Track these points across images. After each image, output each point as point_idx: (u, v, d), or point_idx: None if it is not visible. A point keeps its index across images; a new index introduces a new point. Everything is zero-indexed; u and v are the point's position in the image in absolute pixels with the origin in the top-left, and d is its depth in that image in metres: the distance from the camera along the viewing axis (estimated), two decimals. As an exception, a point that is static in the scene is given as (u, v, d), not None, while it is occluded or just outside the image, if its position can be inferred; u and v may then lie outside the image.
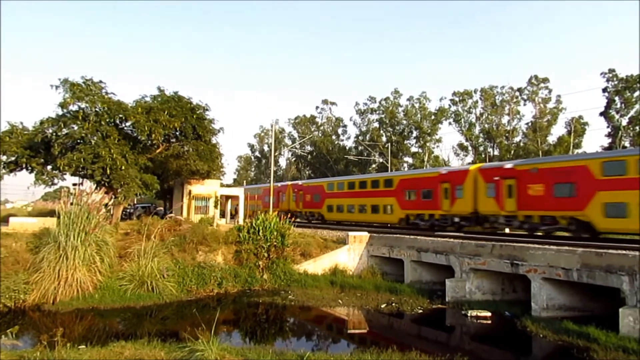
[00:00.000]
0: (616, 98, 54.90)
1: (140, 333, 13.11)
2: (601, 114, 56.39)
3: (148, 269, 18.01)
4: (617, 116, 55.24)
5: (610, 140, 55.95)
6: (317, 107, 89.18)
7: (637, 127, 53.58)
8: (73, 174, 25.01)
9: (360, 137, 79.00)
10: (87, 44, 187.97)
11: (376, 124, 77.58)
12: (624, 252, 14.14)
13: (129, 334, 13.24)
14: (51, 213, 20.21)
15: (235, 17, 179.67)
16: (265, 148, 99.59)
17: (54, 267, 16.43)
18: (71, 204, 17.83)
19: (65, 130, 23.37)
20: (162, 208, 33.32)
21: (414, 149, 73.12)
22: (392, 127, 74.15)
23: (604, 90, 55.77)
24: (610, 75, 55.17)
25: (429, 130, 69.96)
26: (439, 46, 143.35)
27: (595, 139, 76.31)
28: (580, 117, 59.79)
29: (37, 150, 24.71)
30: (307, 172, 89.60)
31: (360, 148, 77.54)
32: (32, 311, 15.59)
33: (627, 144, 54.24)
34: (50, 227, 18.71)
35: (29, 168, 25.18)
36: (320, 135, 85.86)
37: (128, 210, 38.17)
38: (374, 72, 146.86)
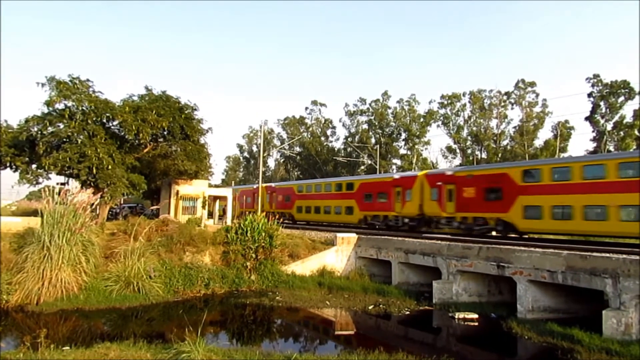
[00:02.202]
0: (601, 103, 55.82)
1: (125, 334, 12.99)
2: (586, 118, 57.29)
3: (134, 270, 17.83)
4: (602, 121, 56.16)
5: (595, 144, 56.84)
6: (306, 108, 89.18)
7: (622, 132, 54.50)
8: (58, 174, 24.72)
9: (349, 139, 79.17)
10: (75, 42, 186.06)
11: (365, 126, 77.88)
12: (607, 255, 14.38)
13: (114, 335, 13.10)
14: (36, 212, 19.96)
15: (224, 18, 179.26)
16: (254, 149, 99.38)
17: (37, 268, 16.17)
18: (56, 203, 17.59)
19: (50, 129, 23.09)
20: (156, 207, 33.01)
21: (402, 151, 73.52)
22: (382, 129, 74.47)
23: (589, 95, 56.68)
24: (595, 80, 56.11)
25: (418, 133, 70.40)
26: (429, 49, 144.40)
27: (580, 143, 77.56)
28: (567, 121, 60.81)
29: (21, 148, 24.37)
30: (295, 173, 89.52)
31: (349, 149, 77.71)
32: (15, 312, 15.33)
33: (611, 148, 55.17)
34: (35, 226, 18.44)
35: (14, 167, 24.81)
36: (309, 136, 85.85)
37: (114, 210, 37.81)
38: (364, 74, 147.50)
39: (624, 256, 13.81)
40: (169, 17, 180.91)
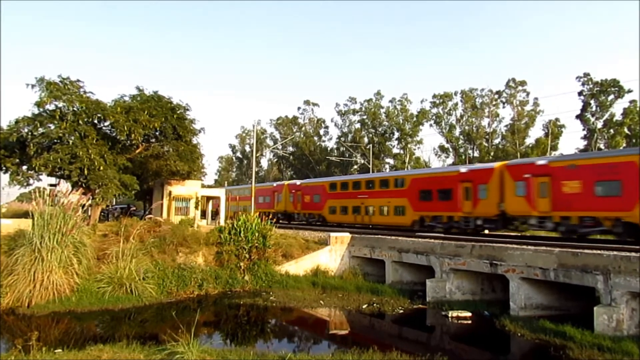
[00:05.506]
0: (591, 101, 56.30)
1: (118, 336, 12.90)
2: (577, 116, 57.76)
3: (127, 271, 17.73)
4: (592, 119, 56.65)
5: (585, 142, 57.34)
6: (299, 108, 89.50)
7: (612, 130, 55.01)
8: (49, 175, 24.52)
9: (342, 138, 79.26)
10: (63, 41, 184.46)
11: (358, 125, 78.05)
12: (599, 252, 14.50)
13: (107, 337, 13.03)
14: (26, 214, 19.81)
15: (216, 17, 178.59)
16: (247, 149, 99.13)
17: (29, 270, 16.02)
18: (47, 204, 17.43)
19: (41, 130, 22.87)
20: (134, 208, 32.93)
21: (395, 150, 73.72)
22: (374, 128, 74.64)
23: (580, 93, 57.15)
24: (586, 79, 56.59)
25: (410, 132, 70.61)
26: (421, 49, 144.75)
27: (571, 141, 78.15)
28: (557, 119, 61.22)
29: (12, 150, 24.12)
30: (289, 173, 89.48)
31: (342, 149, 77.78)
32: (7, 315, 15.19)
33: (602, 145, 55.66)
34: (25, 228, 18.28)
35: (4, 168, 24.56)
36: (302, 136, 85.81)
37: (106, 212, 37.59)
38: (356, 73, 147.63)
39: (615, 253, 13.94)
40: (161, 17, 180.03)
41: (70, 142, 22.91)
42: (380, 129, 74.17)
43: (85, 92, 24.35)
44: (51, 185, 25.14)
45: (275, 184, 48.03)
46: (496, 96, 66.24)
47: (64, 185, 19.18)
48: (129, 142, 25.39)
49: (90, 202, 21.04)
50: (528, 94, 64.60)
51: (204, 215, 37.02)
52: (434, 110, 69.97)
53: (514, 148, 62.05)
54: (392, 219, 31.83)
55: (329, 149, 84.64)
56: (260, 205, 46.76)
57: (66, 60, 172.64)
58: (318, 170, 79.94)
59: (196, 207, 32.57)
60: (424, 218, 29.29)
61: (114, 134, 24.86)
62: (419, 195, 29.82)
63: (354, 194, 35.26)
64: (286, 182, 45.98)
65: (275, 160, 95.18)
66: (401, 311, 17.45)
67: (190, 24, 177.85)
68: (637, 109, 53.32)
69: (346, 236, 24.23)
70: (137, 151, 26.93)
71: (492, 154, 64.21)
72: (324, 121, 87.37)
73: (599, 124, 56.29)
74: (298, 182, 44.19)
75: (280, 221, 42.32)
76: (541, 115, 63.85)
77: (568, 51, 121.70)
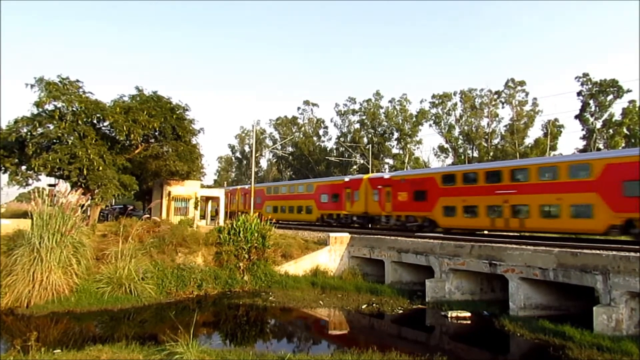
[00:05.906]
0: (591, 101, 56.32)
1: (117, 336, 12.90)
2: (576, 117, 57.77)
3: (126, 271, 17.72)
4: (591, 119, 56.65)
5: (585, 142, 57.35)
6: (298, 108, 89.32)
7: (611, 130, 55.04)
8: (49, 175, 24.48)
9: (341, 139, 79.22)
10: (64, 42, 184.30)
11: (357, 125, 78.02)
12: (598, 252, 14.52)
13: (106, 337, 13.02)
14: (25, 214, 19.82)
15: (217, 17, 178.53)
16: (246, 149, 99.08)
17: (28, 270, 15.99)
18: (45, 204, 17.40)
19: (40, 130, 22.84)
20: (138, 209, 32.88)
21: (395, 151, 73.68)
22: (374, 128, 74.62)
23: (579, 93, 57.16)
24: (585, 79, 56.58)
25: (410, 132, 70.57)
26: (419, 49, 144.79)
27: (571, 141, 78.27)
28: (556, 119, 61.21)
29: (10, 150, 24.08)
30: (288, 174, 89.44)
31: (341, 149, 77.75)
32: (6, 315, 15.17)
33: (601, 146, 55.68)
34: (24, 228, 18.26)
35: (3, 168, 24.52)
36: (301, 136, 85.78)
37: (105, 212, 37.56)
38: (356, 73, 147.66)
39: (614, 253, 13.96)
40: (161, 17, 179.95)
41: (70, 142, 22.89)
42: (379, 129, 74.12)
43: (84, 92, 24.30)
44: (50, 185, 25.11)
45: (347, 179, 37.85)
46: (495, 96, 66.23)
47: (63, 186, 19.11)
48: (128, 142, 25.37)
49: (89, 202, 21.02)
50: (527, 94, 64.62)
51: (203, 215, 36.97)
52: (433, 111, 69.92)
53: (513, 148, 62.07)
54: (566, 223, 22.26)
55: (328, 149, 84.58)
56: (324, 206, 39.16)
57: (66, 60, 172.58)
58: (317, 171, 79.87)
59: (195, 207, 32.55)
60: (632, 221, 19.72)
61: (113, 134, 24.83)
62: (623, 189, 20.10)
63: (489, 189, 25.45)
64: (365, 176, 36.57)
65: (275, 160, 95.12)
66: (400, 311, 17.45)
67: (190, 23, 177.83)
68: (637, 109, 53.36)
69: (345, 236, 24.23)
70: (137, 151, 26.90)
71: (491, 154, 64.25)
72: (323, 121, 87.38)
73: (598, 124, 56.28)
74: (386, 175, 35.24)
75: (356, 226, 34.69)
76: (540, 116, 63.94)
77: (567, 51, 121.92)
